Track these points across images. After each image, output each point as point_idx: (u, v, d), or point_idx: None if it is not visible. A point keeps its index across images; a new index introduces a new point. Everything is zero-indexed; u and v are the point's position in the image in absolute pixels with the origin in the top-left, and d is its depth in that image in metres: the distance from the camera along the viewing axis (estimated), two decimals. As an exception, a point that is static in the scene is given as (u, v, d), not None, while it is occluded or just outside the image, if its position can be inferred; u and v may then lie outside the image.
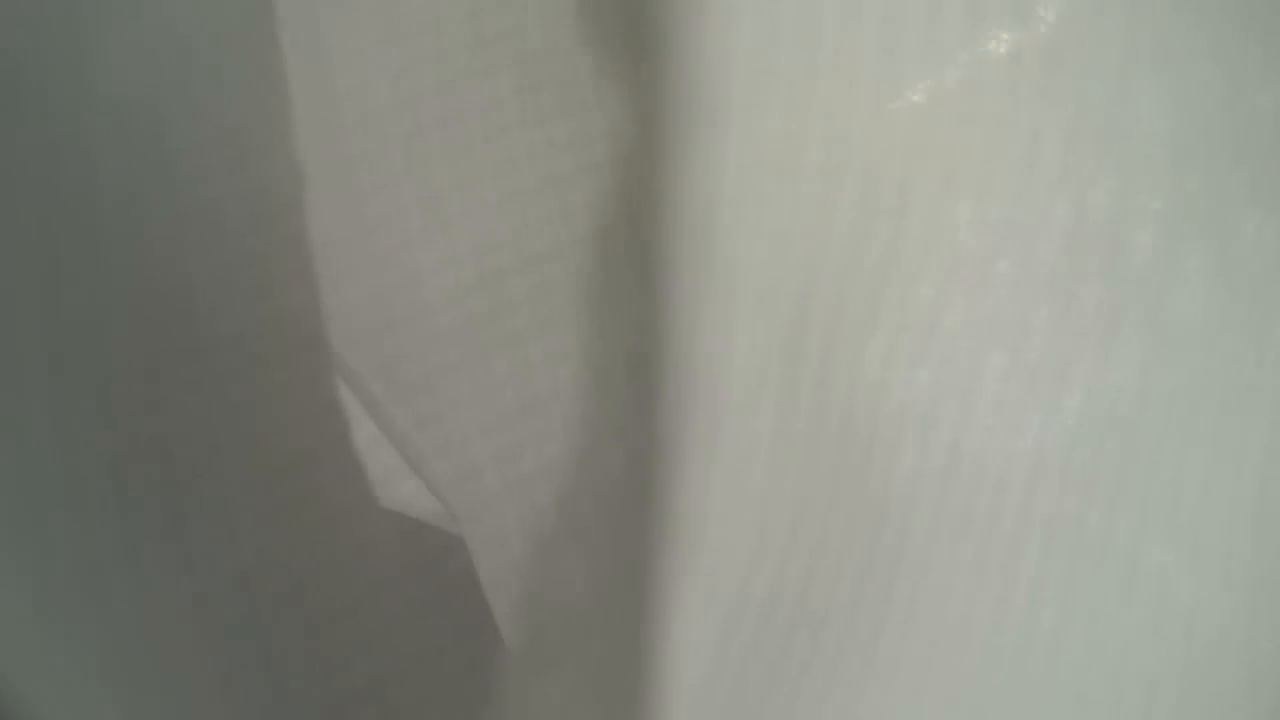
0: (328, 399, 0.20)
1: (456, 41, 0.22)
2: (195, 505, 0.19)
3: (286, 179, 0.20)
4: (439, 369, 0.21)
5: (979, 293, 0.21)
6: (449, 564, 0.21)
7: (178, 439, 0.19)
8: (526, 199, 0.22)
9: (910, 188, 0.21)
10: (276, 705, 0.19)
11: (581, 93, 0.23)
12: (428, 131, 0.22)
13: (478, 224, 0.22)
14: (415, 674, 0.20)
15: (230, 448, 0.19)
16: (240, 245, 0.20)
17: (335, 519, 0.20)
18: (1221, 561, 0.20)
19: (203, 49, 0.19)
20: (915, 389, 0.21)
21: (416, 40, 0.22)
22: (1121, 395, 0.20)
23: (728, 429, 0.21)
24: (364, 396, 0.21)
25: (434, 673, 0.20)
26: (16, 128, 0.18)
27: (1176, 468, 0.20)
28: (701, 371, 0.22)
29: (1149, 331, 0.20)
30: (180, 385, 0.19)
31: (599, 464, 0.22)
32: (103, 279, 0.18)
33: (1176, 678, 0.20)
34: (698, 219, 0.22)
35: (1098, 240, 0.20)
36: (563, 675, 0.21)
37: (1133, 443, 0.20)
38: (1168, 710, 0.20)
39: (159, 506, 0.19)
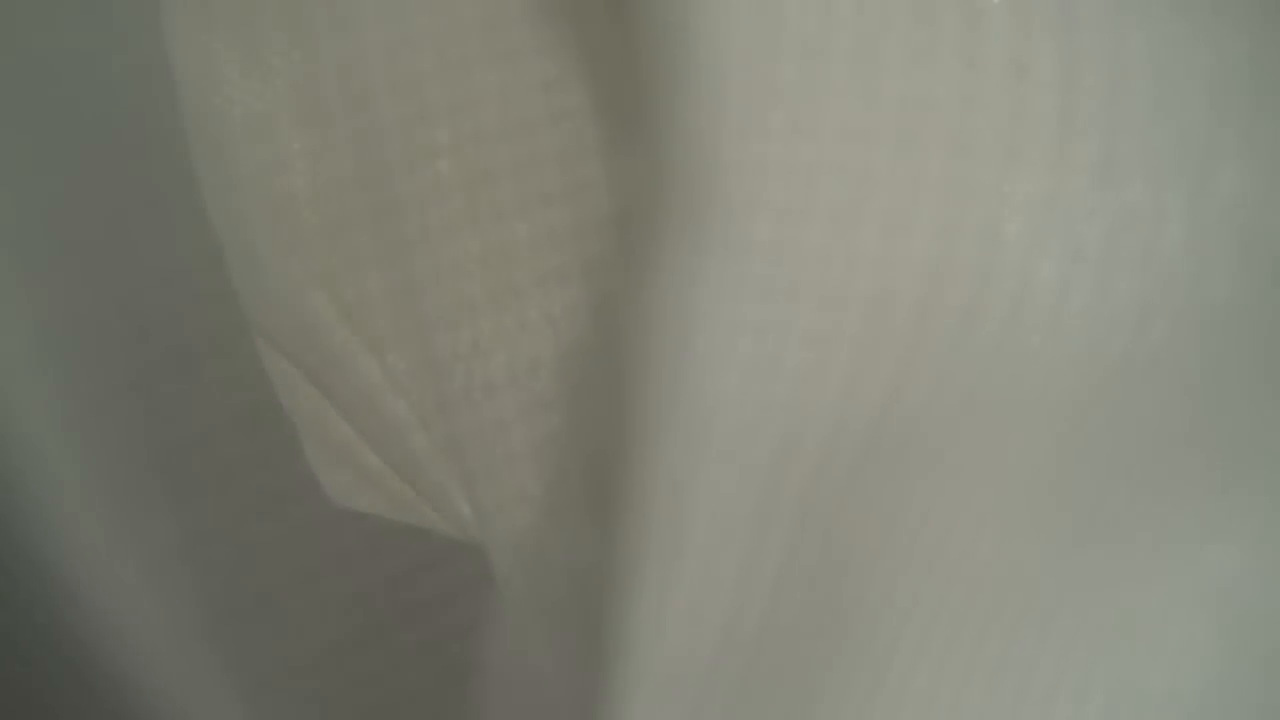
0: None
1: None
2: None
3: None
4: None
5: None
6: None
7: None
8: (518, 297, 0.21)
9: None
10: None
11: (548, 185, 0.21)
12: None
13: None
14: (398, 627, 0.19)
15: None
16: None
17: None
18: None
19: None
20: None
21: None
22: None
23: (688, 561, 0.19)
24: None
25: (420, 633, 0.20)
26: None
27: None
28: (664, 502, 0.19)
29: None
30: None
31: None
32: None
33: None
34: (669, 338, 0.18)
35: None
36: (557, 637, 0.20)
37: None
38: None
39: None
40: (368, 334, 0.21)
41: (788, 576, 0.19)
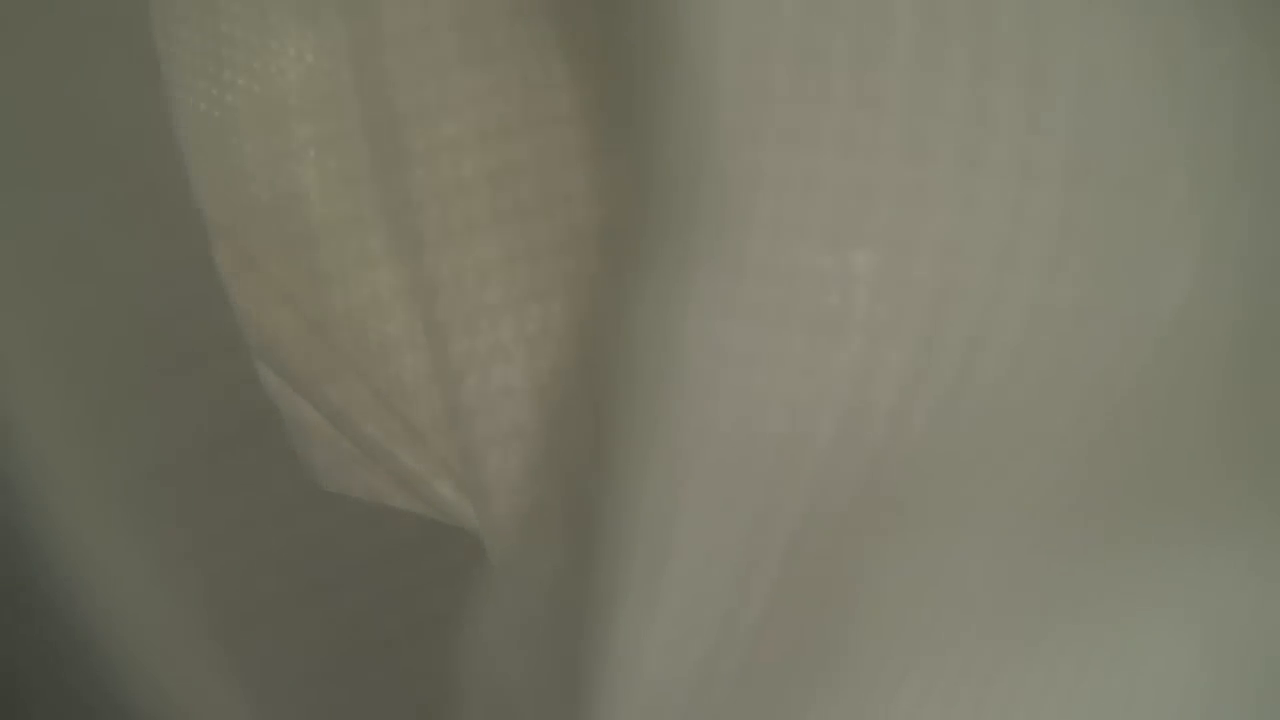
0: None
1: None
2: None
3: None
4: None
5: None
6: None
7: None
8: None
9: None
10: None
11: (525, 196, 0.20)
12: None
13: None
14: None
15: None
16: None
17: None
18: None
19: None
20: None
21: None
22: None
23: (668, 589, 0.18)
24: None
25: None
26: None
27: None
28: (640, 536, 0.18)
29: None
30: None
31: None
32: None
33: None
34: (652, 364, 0.17)
35: None
36: (532, 658, 0.20)
37: None
38: None
39: None
40: (325, 363, 0.20)
41: (773, 612, 0.18)
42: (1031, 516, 0.18)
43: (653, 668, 0.18)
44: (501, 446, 0.20)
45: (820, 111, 0.16)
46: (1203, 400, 0.18)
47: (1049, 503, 0.18)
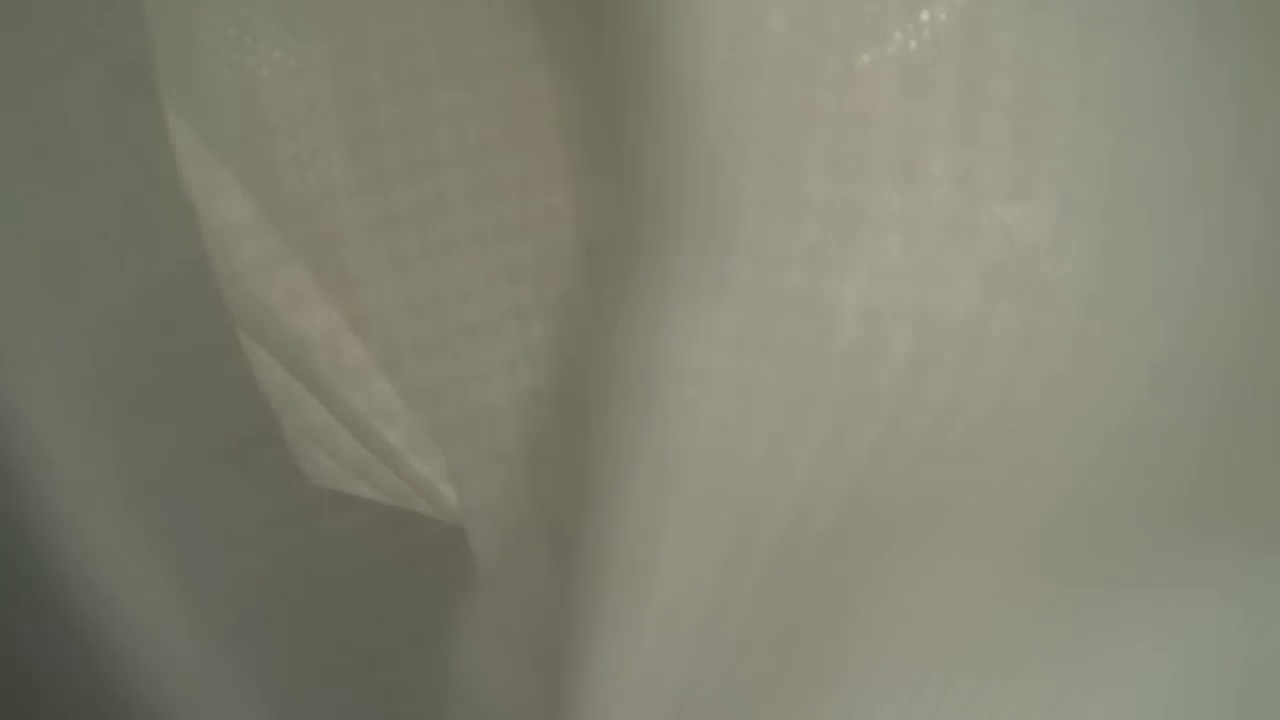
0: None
1: None
2: None
3: None
4: None
5: None
6: None
7: None
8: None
9: None
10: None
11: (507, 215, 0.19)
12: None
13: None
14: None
15: None
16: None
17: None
18: None
19: None
20: None
21: None
22: None
23: (649, 611, 0.17)
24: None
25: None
26: None
27: None
28: (621, 559, 0.17)
29: None
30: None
31: None
32: None
33: None
34: (633, 387, 0.17)
35: None
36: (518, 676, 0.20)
37: None
38: None
39: None
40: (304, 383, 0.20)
41: (752, 633, 0.18)
42: (1017, 545, 0.18)
43: (632, 688, 0.18)
44: (482, 468, 0.20)
45: (807, 133, 0.16)
46: (1193, 435, 0.18)
47: (1036, 532, 0.18)
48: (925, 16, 0.16)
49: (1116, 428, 0.17)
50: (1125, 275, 0.17)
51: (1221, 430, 0.18)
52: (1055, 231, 0.16)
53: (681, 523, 0.17)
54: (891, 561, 0.18)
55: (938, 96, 0.16)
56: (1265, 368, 0.18)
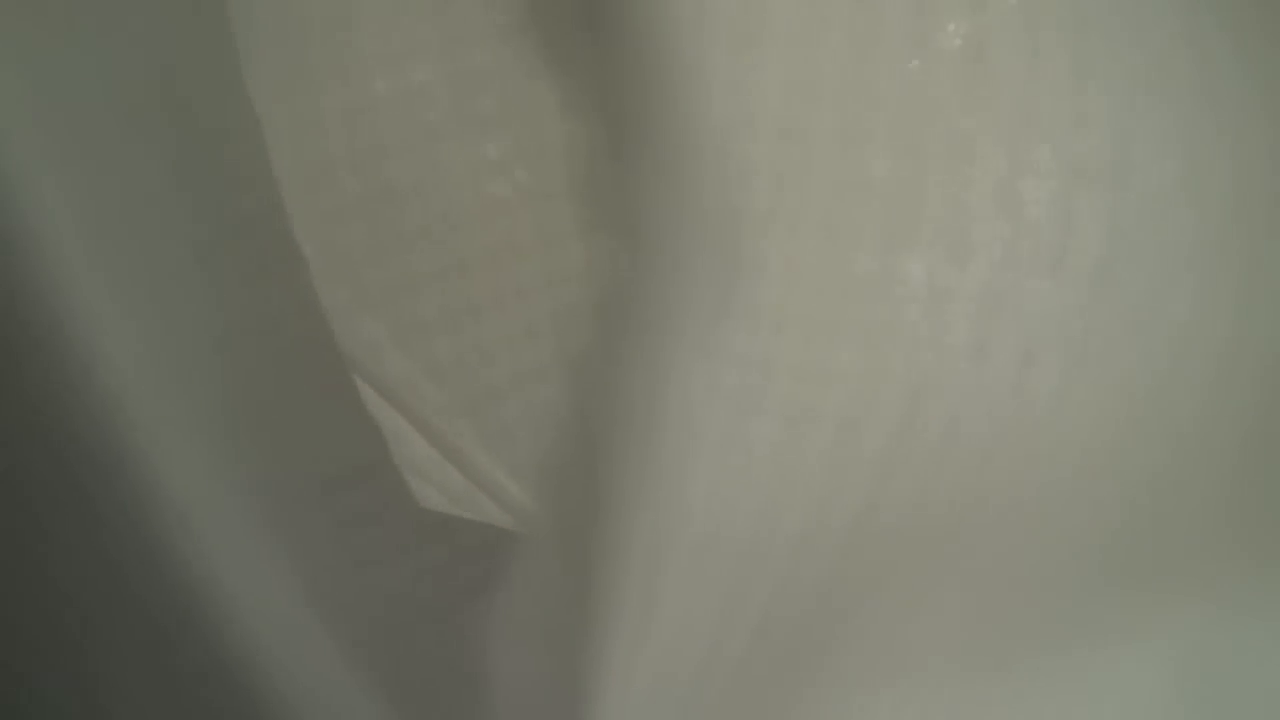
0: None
1: None
2: None
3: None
4: None
5: None
6: None
7: None
8: None
9: None
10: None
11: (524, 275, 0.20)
12: None
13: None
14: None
15: None
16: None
17: None
18: None
19: None
20: None
21: None
22: None
23: (655, 634, 0.18)
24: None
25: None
26: None
27: None
28: (637, 574, 0.18)
29: None
30: None
31: None
32: None
33: None
34: (633, 443, 0.17)
35: None
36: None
37: None
38: None
39: None
40: None
41: (755, 654, 0.18)
42: (1015, 561, 0.18)
43: (640, 695, 0.18)
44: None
45: (803, 190, 0.16)
46: (1184, 447, 0.18)
47: (1025, 564, 0.18)
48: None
49: (1111, 439, 0.18)
50: (1119, 320, 0.17)
51: (1211, 442, 0.18)
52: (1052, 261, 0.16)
53: (692, 544, 0.17)
54: (883, 593, 0.18)
55: (934, 111, 0.16)
56: (1247, 381, 0.18)
